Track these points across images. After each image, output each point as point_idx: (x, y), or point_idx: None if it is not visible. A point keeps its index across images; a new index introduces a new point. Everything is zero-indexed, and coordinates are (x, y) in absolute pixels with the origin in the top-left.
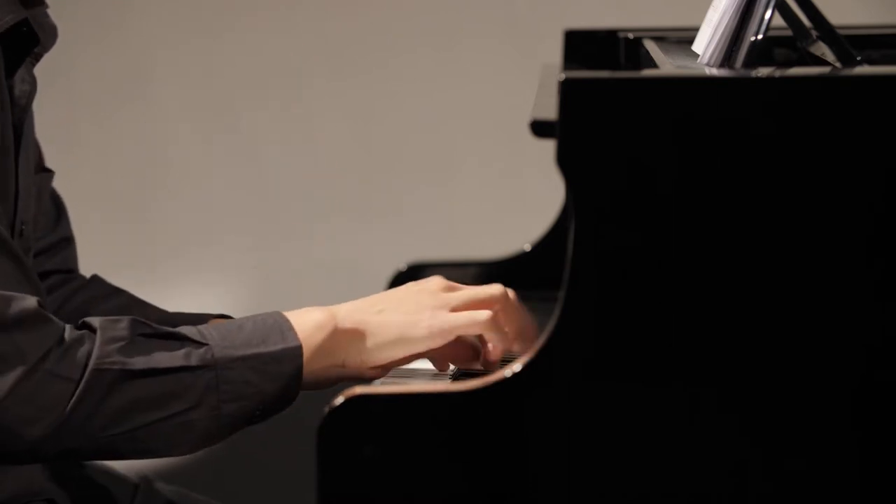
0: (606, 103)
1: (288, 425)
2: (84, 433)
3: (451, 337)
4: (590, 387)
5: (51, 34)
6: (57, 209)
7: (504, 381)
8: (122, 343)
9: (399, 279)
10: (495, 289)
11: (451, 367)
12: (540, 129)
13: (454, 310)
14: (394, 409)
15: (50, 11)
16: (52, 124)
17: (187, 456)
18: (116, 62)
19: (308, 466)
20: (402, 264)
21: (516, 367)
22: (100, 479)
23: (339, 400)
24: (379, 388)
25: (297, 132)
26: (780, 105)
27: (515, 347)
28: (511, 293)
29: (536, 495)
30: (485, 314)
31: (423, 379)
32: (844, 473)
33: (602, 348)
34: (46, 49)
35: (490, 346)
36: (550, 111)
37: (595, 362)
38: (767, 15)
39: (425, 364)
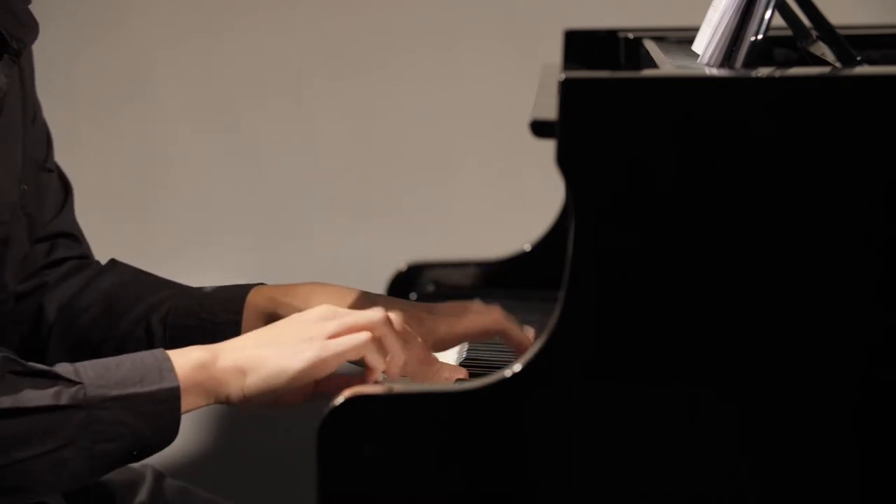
0: (606, 103)
1: (290, 424)
2: None
3: (332, 364)
4: (590, 387)
5: (30, 29)
6: (66, 194)
7: (504, 381)
8: None
9: (399, 279)
10: (374, 314)
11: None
12: (540, 129)
13: (332, 337)
14: (394, 409)
15: (51, 11)
16: (53, 124)
17: (191, 453)
18: (116, 62)
19: (310, 464)
20: (402, 264)
21: (516, 367)
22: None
23: (339, 400)
24: (379, 387)
25: (297, 132)
26: (780, 105)
27: (400, 370)
28: (394, 317)
29: (536, 495)
30: (363, 336)
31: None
32: (844, 474)
33: (602, 348)
34: (26, 44)
35: (371, 367)
36: (550, 111)
37: (595, 362)
38: (767, 15)
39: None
